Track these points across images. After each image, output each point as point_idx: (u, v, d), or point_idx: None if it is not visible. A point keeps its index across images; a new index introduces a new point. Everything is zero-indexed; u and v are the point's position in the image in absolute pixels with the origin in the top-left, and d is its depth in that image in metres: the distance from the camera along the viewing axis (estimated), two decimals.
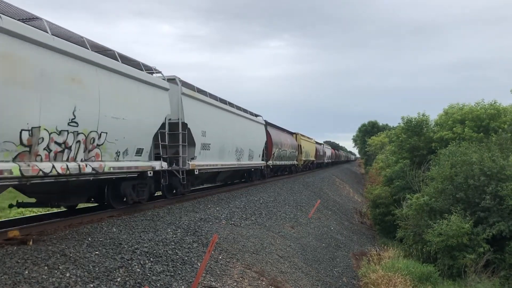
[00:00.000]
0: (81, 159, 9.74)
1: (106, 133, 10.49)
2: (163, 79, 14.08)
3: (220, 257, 10.41)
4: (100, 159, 10.44)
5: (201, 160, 16.66)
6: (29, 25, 8.49)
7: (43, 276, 6.63)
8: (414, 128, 31.82)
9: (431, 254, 18.52)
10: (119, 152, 11.29)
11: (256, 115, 26.88)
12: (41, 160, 8.48)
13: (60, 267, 7.09)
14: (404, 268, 15.87)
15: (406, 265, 16.32)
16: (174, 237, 10.50)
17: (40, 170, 8.26)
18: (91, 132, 9.91)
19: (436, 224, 18.31)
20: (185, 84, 16.02)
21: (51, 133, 8.66)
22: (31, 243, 7.94)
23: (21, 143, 7.92)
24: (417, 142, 31.37)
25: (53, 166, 8.60)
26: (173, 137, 14.85)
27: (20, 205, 11.01)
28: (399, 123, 35.65)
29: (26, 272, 6.59)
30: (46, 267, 6.93)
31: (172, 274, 8.50)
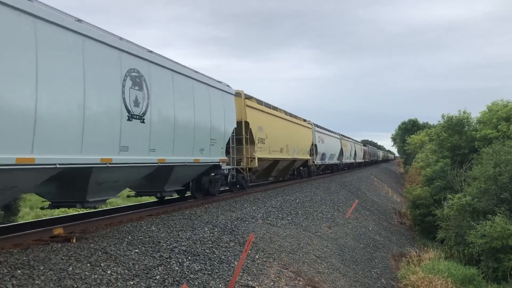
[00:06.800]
0: None
1: None
2: None
3: (257, 257, 10.45)
4: None
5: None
6: None
7: (86, 272, 6.84)
8: (455, 126, 30.98)
9: (473, 256, 17.99)
10: None
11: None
12: None
13: (102, 264, 7.30)
14: (445, 270, 15.50)
15: (447, 267, 15.94)
16: (211, 236, 10.61)
17: None
18: None
19: (479, 225, 17.76)
20: None
21: None
22: (74, 240, 8.20)
23: None
24: (458, 141, 30.50)
25: None
26: None
27: None
28: (439, 121, 34.82)
29: (70, 268, 6.82)
30: (88, 264, 7.15)
31: (209, 272, 8.60)
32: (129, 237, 9.02)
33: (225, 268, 9.06)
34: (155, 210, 12.36)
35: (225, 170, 15.23)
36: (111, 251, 7.94)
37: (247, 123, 17.81)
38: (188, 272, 8.24)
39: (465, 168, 26.21)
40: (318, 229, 16.05)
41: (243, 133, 17.49)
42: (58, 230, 8.67)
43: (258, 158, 18.63)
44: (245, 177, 18.19)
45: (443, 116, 32.28)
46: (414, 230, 29.24)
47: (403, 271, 16.36)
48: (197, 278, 8.17)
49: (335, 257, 14.13)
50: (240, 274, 8.98)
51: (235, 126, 16.05)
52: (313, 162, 30.69)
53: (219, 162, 14.52)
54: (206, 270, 8.65)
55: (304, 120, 30.00)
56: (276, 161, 22.44)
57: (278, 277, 9.80)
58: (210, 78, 14.33)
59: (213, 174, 14.91)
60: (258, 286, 8.96)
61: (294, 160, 25.73)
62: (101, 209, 13.32)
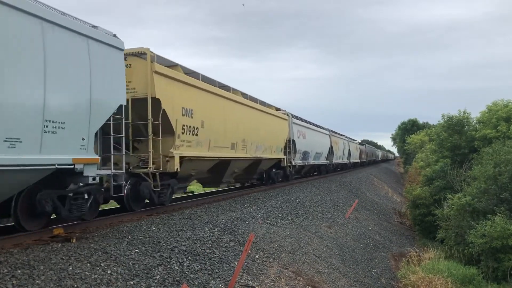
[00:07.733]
0: None
1: None
2: None
3: (257, 256, 10.45)
4: None
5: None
6: None
7: (86, 272, 6.85)
8: (455, 126, 31.03)
9: (473, 256, 18.00)
10: None
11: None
12: None
13: (102, 264, 7.30)
14: (445, 270, 15.51)
15: (447, 267, 15.96)
16: (212, 236, 10.62)
17: None
18: None
19: (479, 225, 17.77)
20: None
21: None
22: (74, 240, 8.20)
23: None
24: (458, 141, 30.55)
25: None
26: None
27: None
28: (439, 121, 34.90)
29: (70, 268, 6.82)
30: (88, 264, 7.16)
31: (209, 272, 8.60)
32: (129, 237, 9.03)
33: (225, 268, 9.06)
34: (155, 210, 12.36)
35: (92, 178, 8.82)
36: (111, 251, 7.94)
37: (156, 101, 11.50)
38: (188, 272, 8.24)
39: (465, 168, 26.24)
40: (318, 229, 16.05)
41: (149, 117, 11.33)
42: (58, 230, 8.68)
43: (182, 157, 12.48)
44: (150, 187, 11.58)
45: (443, 116, 32.36)
46: (414, 230, 29.25)
47: (403, 271, 16.36)
48: (197, 278, 8.17)
49: (335, 257, 14.14)
50: (240, 274, 8.99)
51: (125, 104, 9.82)
52: (290, 162, 24.34)
53: (73, 165, 8.20)
54: (206, 270, 8.66)
55: (277, 109, 23.20)
56: (225, 162, 16.01)
57: (278, 277, 9.80)
58: (52, 9, 7.88)
59: (81, 184, 8.72)
60: (258, 286, 8.96)
61: (258, 160, 19.42)
62: (101, 209, 13.29)
